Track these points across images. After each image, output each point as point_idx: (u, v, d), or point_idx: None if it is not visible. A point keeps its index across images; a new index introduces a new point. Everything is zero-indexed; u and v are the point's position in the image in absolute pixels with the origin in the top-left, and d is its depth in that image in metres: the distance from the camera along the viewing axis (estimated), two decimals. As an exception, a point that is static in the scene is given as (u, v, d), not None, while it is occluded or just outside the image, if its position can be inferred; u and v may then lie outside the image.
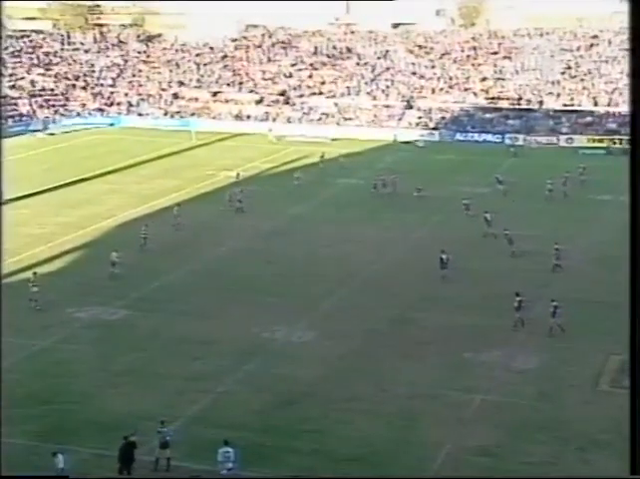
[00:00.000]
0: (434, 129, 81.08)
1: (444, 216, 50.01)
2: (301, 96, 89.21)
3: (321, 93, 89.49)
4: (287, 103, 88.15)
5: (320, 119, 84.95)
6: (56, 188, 57.87)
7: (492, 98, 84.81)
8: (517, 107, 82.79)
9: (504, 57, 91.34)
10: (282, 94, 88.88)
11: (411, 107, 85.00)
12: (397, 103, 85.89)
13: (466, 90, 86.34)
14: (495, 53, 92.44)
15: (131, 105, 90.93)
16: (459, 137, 79.09)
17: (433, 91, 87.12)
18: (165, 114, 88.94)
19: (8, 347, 30.19)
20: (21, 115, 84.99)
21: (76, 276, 38.90)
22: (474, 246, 43.47)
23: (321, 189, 57.08)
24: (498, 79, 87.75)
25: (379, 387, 27.90)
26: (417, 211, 49.14)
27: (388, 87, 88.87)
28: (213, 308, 35.31)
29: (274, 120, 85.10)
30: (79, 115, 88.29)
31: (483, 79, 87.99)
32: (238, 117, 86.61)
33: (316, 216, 50.64)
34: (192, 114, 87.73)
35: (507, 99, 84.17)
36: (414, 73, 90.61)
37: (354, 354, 30.64)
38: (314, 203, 53.29)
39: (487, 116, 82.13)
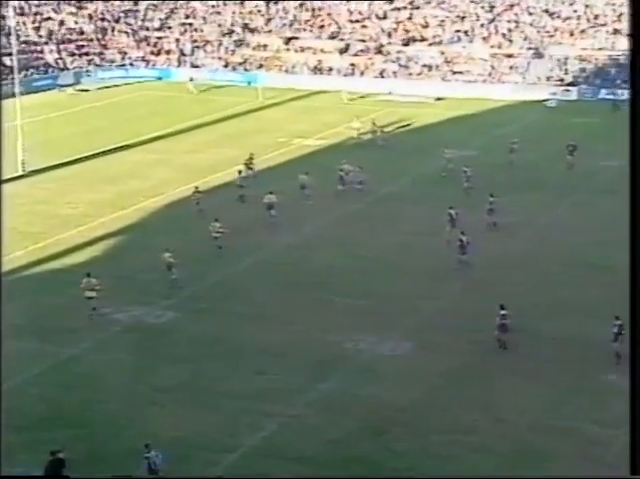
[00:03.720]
0: (570, 84, 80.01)
1: (580, 196, 49.44)
2: (397, 43, 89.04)
3: (423, 39, 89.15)
4: (380, 52, 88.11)
5: (421, 73, 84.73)
6: (89, 157, 59.26)
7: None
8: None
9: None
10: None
11: (541, 56, 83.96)
12: (522, 51, 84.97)
13: (615, 32, 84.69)
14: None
15: (183, 54, 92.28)
16: (603, 94, 77.86)
17: (571, 34, 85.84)
18: (226, 66, 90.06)
19: (30, 354, 31.36)
20: (47, 65, 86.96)
21: (112, 269, 39.76)
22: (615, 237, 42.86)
23: (418, 161, 57.00)
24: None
25: (491, 415, 27.90)
26: (542, 189, 48.60)
27: (510, 30, 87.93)
28: (282, 311, 35.75)
29: (362, 74, 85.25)
30: (119, 66, 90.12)
31: None
32: (317, 70, 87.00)
33: (409, 195, 50.71)
34: (260, 66, 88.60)
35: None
36: (545, 11, 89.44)
37: (459, 372, 30.69)
38: (406, 179, 53.17)
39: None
